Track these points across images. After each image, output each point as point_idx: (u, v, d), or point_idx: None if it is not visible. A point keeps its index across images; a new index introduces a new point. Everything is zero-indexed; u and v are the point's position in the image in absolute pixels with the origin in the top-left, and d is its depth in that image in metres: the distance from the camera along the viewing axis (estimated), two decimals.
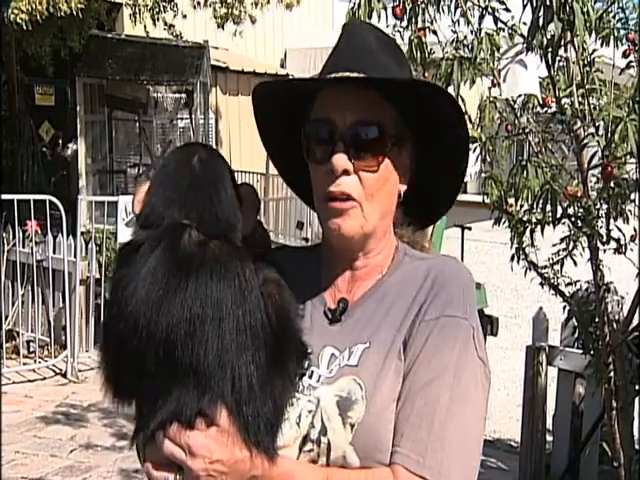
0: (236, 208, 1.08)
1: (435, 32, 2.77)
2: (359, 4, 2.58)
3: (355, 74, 1.13)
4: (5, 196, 5.77)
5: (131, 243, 1.05)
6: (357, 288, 1.19)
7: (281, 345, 1.05)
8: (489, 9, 2.61)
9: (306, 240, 7.93)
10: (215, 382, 0.98)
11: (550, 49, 2.33)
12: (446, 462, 1.06)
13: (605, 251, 2.82)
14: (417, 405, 1.07)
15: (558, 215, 2.71)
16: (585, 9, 2.08)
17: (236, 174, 1.15)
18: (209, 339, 0.97)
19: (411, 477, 1.05)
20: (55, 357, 5.93)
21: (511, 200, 2.91)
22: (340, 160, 1.12)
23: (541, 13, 2.12)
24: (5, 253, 6.14)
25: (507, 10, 2.62)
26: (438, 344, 1.10)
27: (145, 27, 7.97)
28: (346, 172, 1.12)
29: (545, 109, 2.85)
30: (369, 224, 1.15)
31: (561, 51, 2.39)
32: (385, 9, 2.65)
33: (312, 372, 1.13)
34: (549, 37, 2.31)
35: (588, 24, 2.16)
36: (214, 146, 9.53)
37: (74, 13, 6.33)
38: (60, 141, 9.77)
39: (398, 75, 1.18)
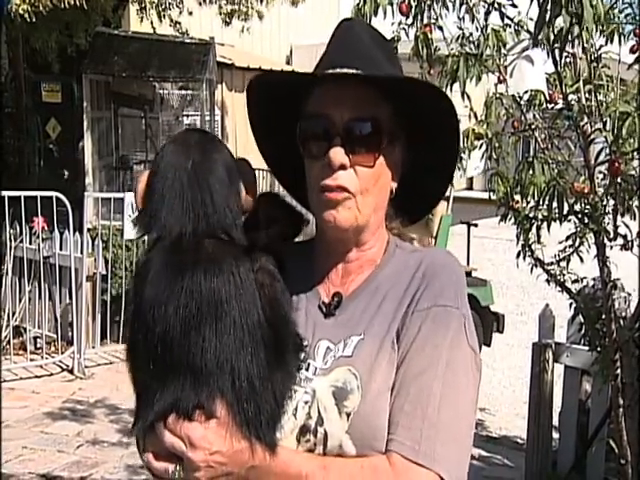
0: (233, 205, 1.08)
1: (441, 28, 2.76)
2: (365, 0, 2.58)
3: (353, 70, 1.14)
4: (12, 193, 5.78)
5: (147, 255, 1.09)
6: (351, 282, 1.21)
7: (279, 339, 1.06)
8: (495, 5, 2.60)
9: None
10: (214, 380, 0.99)
11: (557, 44, 2.31)
12: (440, 448, 1.08)
13: (612, 248, 2.81)
14: (411, 393, 1.10)
15: (564, 212, 2.71)
16: (594, 1, 2.06)
17: None
18: (206, 339, 0.99)
19: (407, 464, 1.07)
20: (62, 353, 5.95)
21: (517, 197, 2.90)
22: (338, 155, 1.13)
23: (549, 7, 2.10)
24: (12, 249, 6.16)
25: (513, 6, 2.61)
26: (431, 333, 1.12)
27: (152, 24, 7.98)
28: (343, 167, 1.14)
29: (552, 105, 2.84)
30: (363, 217, 1.17)
31: (568, 47, 2.38)
32: (391, 5, 2.65)
33: (308, 364, 1.15)
34: (556, 32, 2.30)
35: (597, 17, 2.14)
36: None
37: (79, 5, 6.25)
38: (75, 143, 9.73)
39: (390, 72, 1.20)
